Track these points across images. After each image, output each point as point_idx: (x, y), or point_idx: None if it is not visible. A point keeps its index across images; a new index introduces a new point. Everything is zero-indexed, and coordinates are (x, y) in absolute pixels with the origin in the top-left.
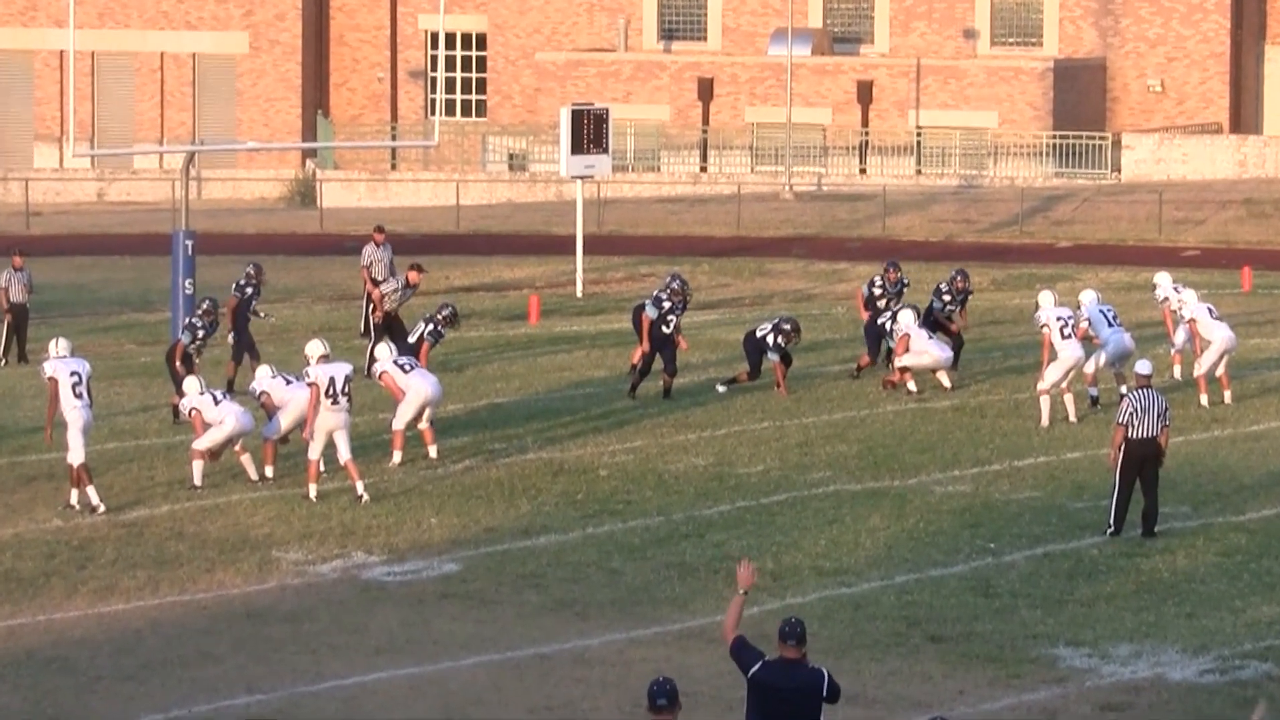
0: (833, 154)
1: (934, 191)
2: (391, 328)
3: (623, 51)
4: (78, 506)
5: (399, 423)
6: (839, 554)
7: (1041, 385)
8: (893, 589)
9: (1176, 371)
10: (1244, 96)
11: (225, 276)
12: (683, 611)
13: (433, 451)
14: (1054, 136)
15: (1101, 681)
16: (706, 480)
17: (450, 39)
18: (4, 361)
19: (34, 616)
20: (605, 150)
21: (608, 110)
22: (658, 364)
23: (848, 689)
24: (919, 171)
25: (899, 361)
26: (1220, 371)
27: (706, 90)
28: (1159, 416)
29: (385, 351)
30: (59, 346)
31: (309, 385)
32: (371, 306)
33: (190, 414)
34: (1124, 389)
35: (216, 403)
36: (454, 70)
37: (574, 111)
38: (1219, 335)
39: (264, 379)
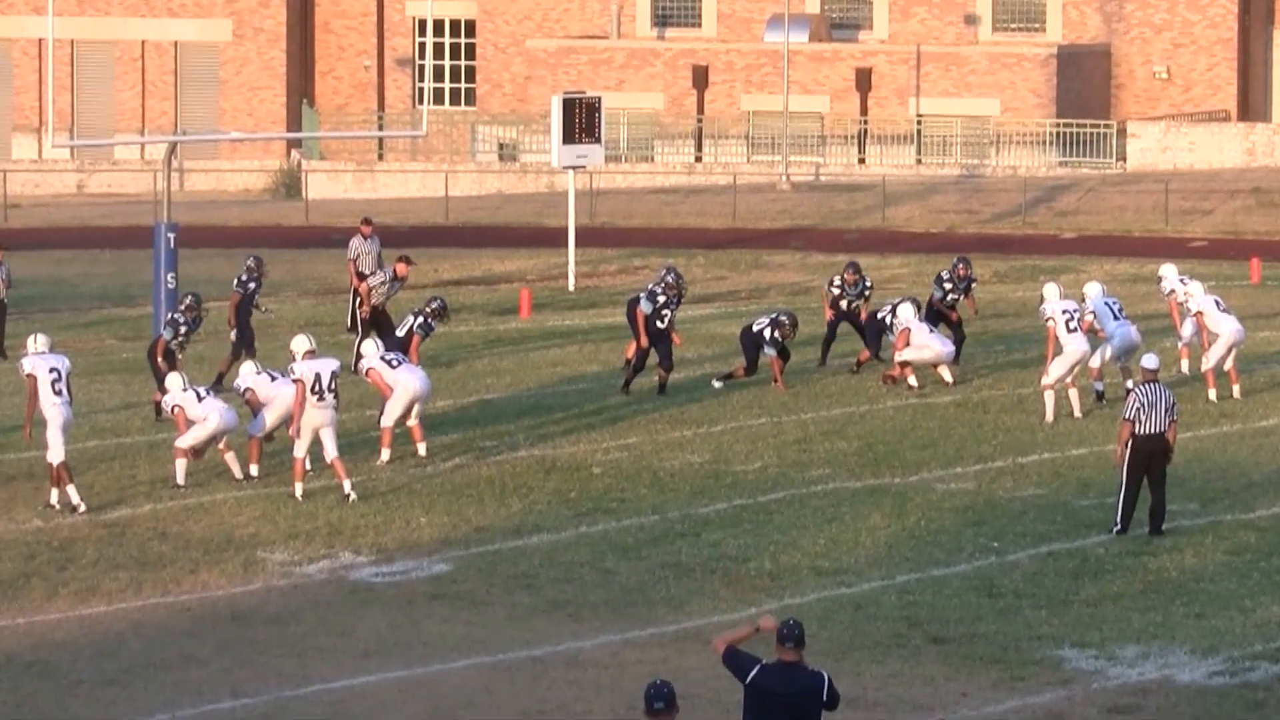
0: (831, 143)
1: (935, 182)
2: (379, 322)
3: (615, 38)
4: (58, 506)
5: (387, 420)
6: (838, 553)
7: (1046, 380)
8: (894, 589)
9: (1184, 366)
10: (1252, 83)
11: (208, 270)
12: (679, 612)
13: (421, 449)
14: (1057, 125)
15: (1108, 684)
16: (702, 478)
17: (439, 26)
18: None
19: (13, 619)
20: (598, 140)
21: (600, 99)
22: (652, 359)
23: (847, 692)
24: (919, 161)
25: (899, 356)
26: (1229, 365)
27: (701, 78)
28: (1166, 412)
29: (371, 347)
30: (37, 342)
31: (294, 382)
32: (358, 301)
33: (173, 411)
34: (1130, 384)
35: (199, 400)
36: (442, 58)
37: (566, 100)
38: (1227, 328)
39: (248, 375)
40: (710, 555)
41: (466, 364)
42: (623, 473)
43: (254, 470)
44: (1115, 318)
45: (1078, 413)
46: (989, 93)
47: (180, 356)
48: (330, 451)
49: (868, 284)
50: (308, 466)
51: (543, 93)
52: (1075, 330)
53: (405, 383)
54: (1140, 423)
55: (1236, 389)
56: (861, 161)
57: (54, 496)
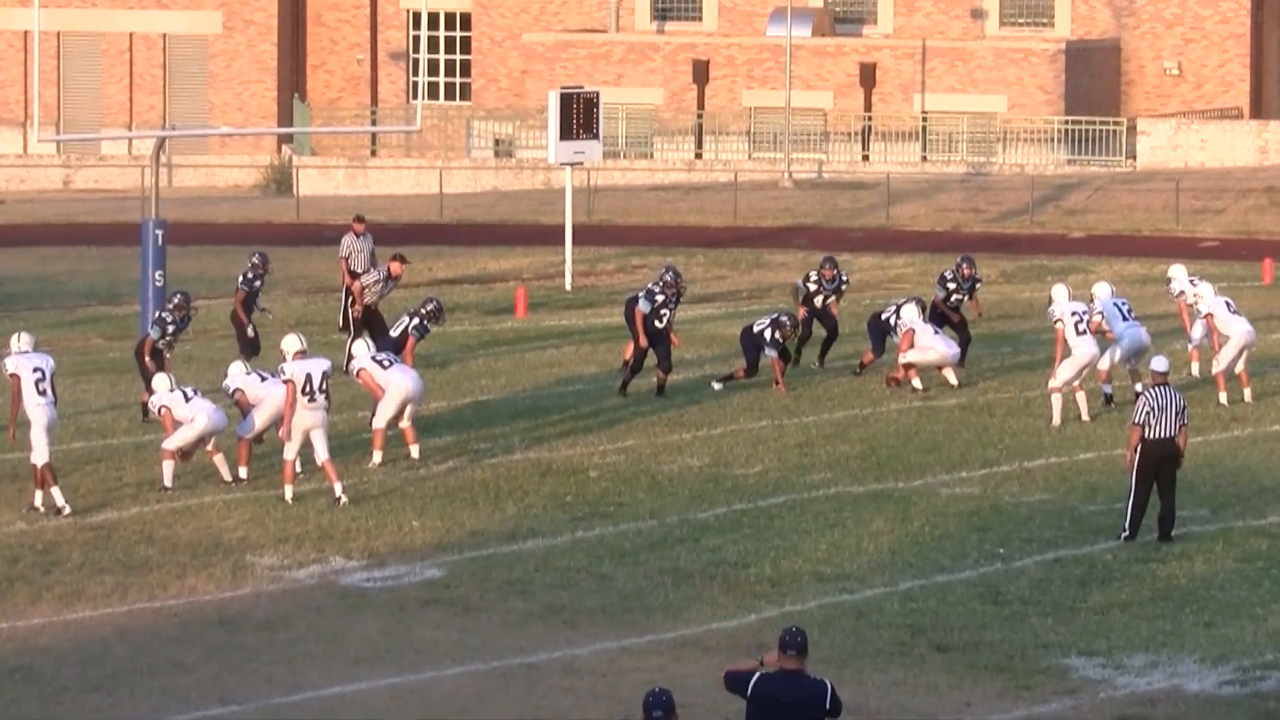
0: (834, 140)
1: (940, 179)
2: (371, 322)
3: (614, 32)
4: (42, 509)
5: (379, 421)
6: (840, 559)
7: (1053, 383)
8: (897, 596)
9: (1194, 368)
10: (1265, 80)
11: (197, 268)
12: (677, 619)
13: (414, 451)
14: (1066, 122)
15: (1116, 693)
16: (702, 482)
17: (433, 19)
18: None
19: None
20: (596, 136)
21: (598, 94)
22: (650, 360)
23: (849, 700)
24: (924, 158)
25: (903, 358)
26: (1240, 368)
27: (702, 73)
28: (1177, 415)
29: (363, 348)
30: (21, 341)
31: (285, 382)
32: (350, 300)
33: (160, 412)
34: (1139, 387)
35: (187, 400)
36: (437, 51)
37: (563, 95)
38: (1238, 330)
39: (237, 376)
40: (709, 561)
41: (461, 364)
42: (620, 476)
43: (243, 472)
44: (1124, 319)
45: (1086, 416)
46: (996, 89)
47: (169, 356)
48: (321, 454)
49: (844, 279)
50: (298, 469)
51: (540, 87)
52: (1084, 332)
53: (397, 384)
54: (1150, 427)
55: (1248, 392)
56: (865, 159)
57: (38, 499)
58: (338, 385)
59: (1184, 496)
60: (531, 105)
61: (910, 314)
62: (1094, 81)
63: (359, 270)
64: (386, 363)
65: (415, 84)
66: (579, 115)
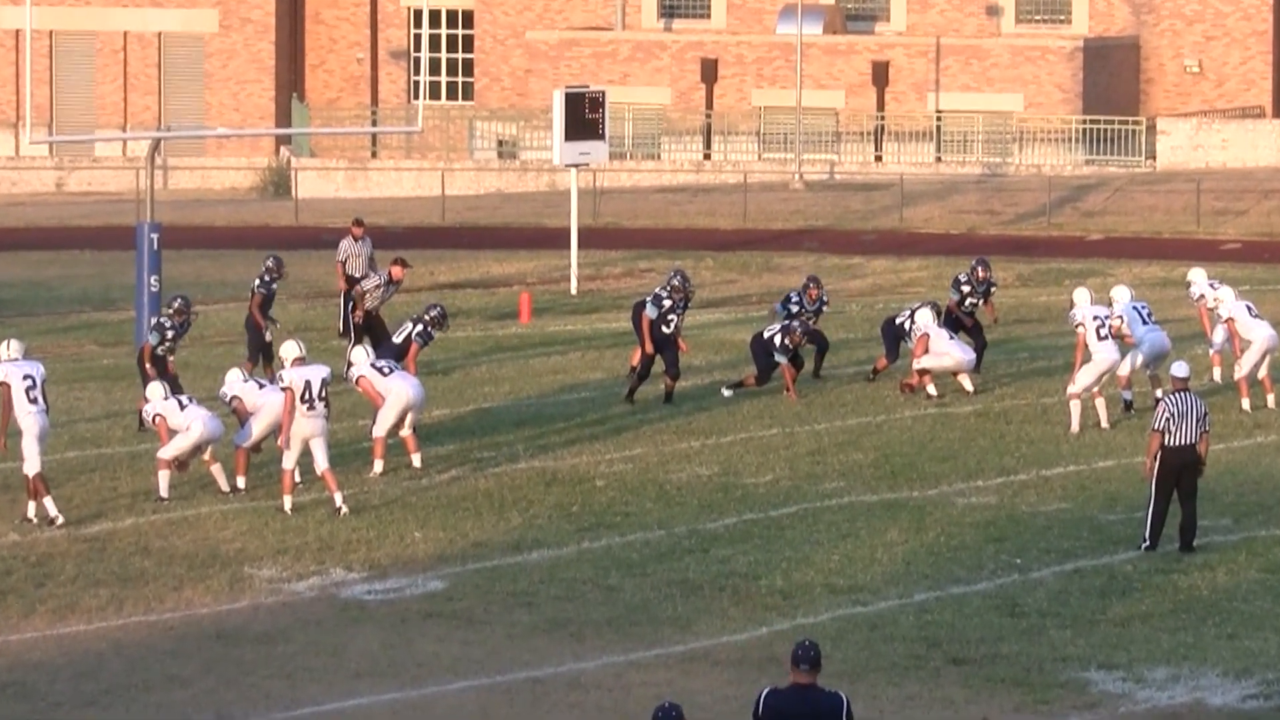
0: (846, 140)
1: (955, 180)
2: (372, 327)
3: (620, 30)
4: (35, 520)
5: (379, 430)
6: (853, 570)
7: (1072, 389)
8: (911, 608)
9: (1216, 374)
10: None
11: (193, 272)
12: (685, 632)
13: (416, 460)
14: (1084, 121)
15: (1136, 707)
16: (711, 491)
17: (435, 17)
18: None
19: None
20: (601, 136)
21: (604, 93)
22: (658, 367)
23: (863, 715)
24: (939, 159)
25: (918, 364)
26: (1263, 374)
27: (710, 72)
28: (1198, 422)
29: (362, 355)
30: (10, 349)
31: (283, 390)
32: (351, 305)
33: (154, 421)
34: (1160, 393)
35: (182, 408)
36: (439, 50)
37: (568, 94)
38: (1259, 334)
39: (234, 383)
40: (719, 572)
41: (464, 371)
42: (627, 486)
43: (240, 482)
44: (1144, 323)
45: (1105, 423)
46: (1012, 87)
47: (171, 362)
48: (321, 463)
49: (825, 300)
50: (297, 478)
51: (544, 87)
52: (1106, 338)
53: (398, 391)
54: (1170, 434)
55: (1271, 398)
56: (878, 159)
57: (31, 509)
58: (338, 393)
59: (1206, 505)
60: (536, 105)
61: (925, 318)
62: (1113, 80)
63: (356, 275)
64: (387, 370)
65: (416, 83)
66: (585, 115)
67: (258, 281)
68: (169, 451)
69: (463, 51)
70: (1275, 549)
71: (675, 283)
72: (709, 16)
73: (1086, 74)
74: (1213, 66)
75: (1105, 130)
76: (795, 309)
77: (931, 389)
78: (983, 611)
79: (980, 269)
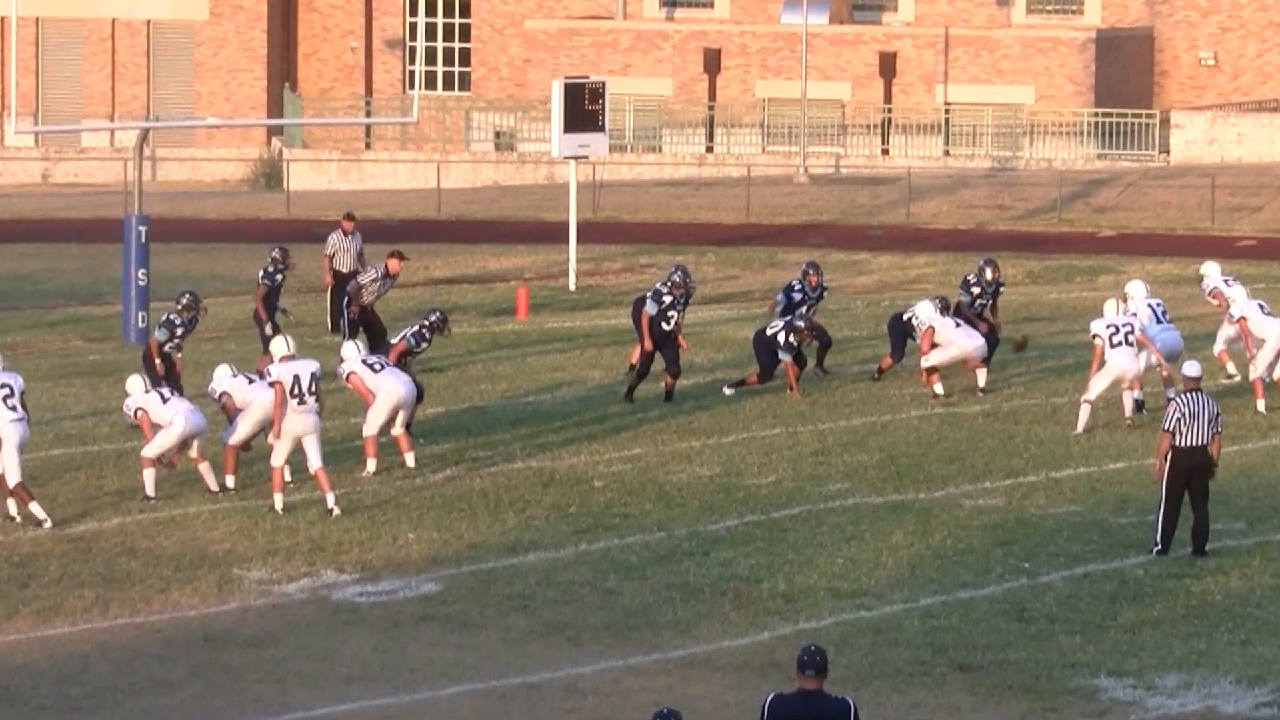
0: (852, 133)
1: (963, 174)
2: (369, 323)
3: (621, 19)
4: (18, 518)
5: (370, 428)
6: (858, 574)
7: (1087, 395)
8: (917, 612)
9: (1231, 368)
10: None
11: (182, 266)
12: (685, 637)
13: (410, 459)
14: (1096, 114)
15: (1147, 715)
16: (712, 492)
17: (431, 5)
18: None
19: None
20: (601, 128)
21: (604, 84)
22: (658, 364)
23: None
24: (947, 153)
25: (925, 361)
26: (1278, 374)
27: (713, 62)
28: (1210, 423)
29: (353, 350)
30: None
31: (271, 384)
32: (347, 300)
33: (136, 415)
34: (1170, 393)
35: (164, 401)
36: (435, 39)
37: (567, 85)
38: (1273, 333)
39: (223, 378)
40: (720, 575)
41: (459, 369)
42: (626, 486)
43: (230, 481)
44: (1158, 321)
45: (1129, 412)
46: (1022, 79)
47: (178, 359)
48: (314, 461)
49: (825, 287)
50: (287, 477)
51: (543, 77)
52: (1120, 344)
53: (388, 388)
54: (1181, 434)
55: None
56: (885, 153)
57: (13, 507)
58: (330, 391)
59: (1219, 508)
60: (534, 96)
61: (926, 311)
62: (1125, 72)
63: (344, 270)
64: (378, 366)
65: (412, 73)
66: (584, 107)
67: (262, 274)
68: (153, 449)
69: (459, 41)
70: None
71: (676, 279)
72: (712, 6)
73: (1099, 66)
74: (1228, 59)
75: (1118, 124)
76: (798, 296)
77: (939, 388)
78: (990, 616)
79: (988, 269)
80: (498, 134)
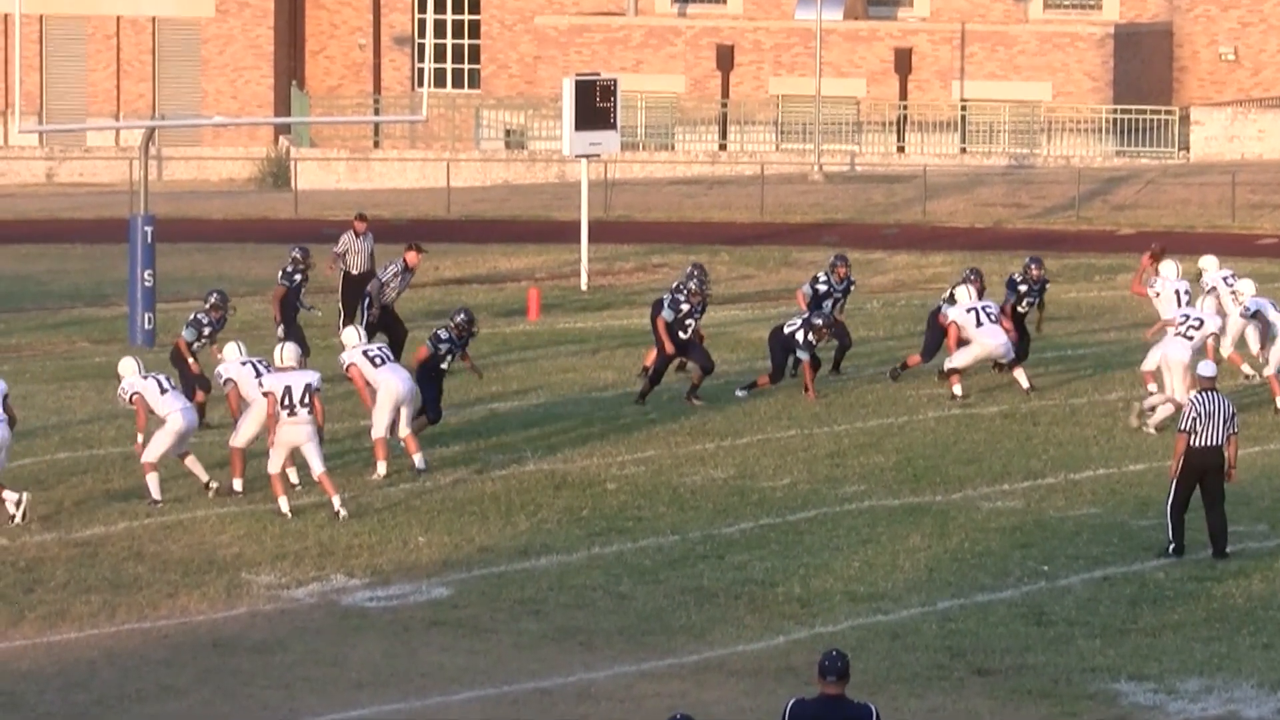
0: (867, 130)
1: (980, 172)
2: (390, 325)
3: (633, 15)
4: (17, 518)
5: (377, 430)
6: (874, 577)
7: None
8: (934, 616)
9: (1247, 369)
10: None
11: (188, 267)
12: (699, 641)
13: (419, 461)
14: (1114, 111)
15: None
16: (726, 495)
17: (440, 1)
18: None
19: None
20: (613, 126)
21: (616, 81)
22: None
23: None
24: (963, 150)
25: (949, 363)
26: None
27: (726, 59)
28: (1225, 423)
29: (354, 336)
30: None
31: (264, 395)
32: (368, 301)
33: (131, 400)
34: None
35: (162, 392)
36: (444, 36)
37: (578, 82)
38: None
39: (233, 364)
40: (735, 579)
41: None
42: (639, 489)
43: (237, 485)
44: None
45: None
46: (1040, 75)
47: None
48: (315, 468)
49: (852, 280)
50: (294, 480)
51: (553, 74)
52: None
53: (387, 384)
54: (1196, 434)
55: None
56: (900, 150)
57: (11, 506)
58: (340, 394)
59: (1241, 510)
60: (545, 93)
61: (961, 297)
62: (1144, 68)
63: (355, 272)
64: (379, 360)
65: (421, 71)
66: (595, 104)
67: (281, 274)
68: (152, 453)
69: (469, 37)
70: None
71: (692, 287)
72: (725, 1)
73: (1117, 62)
74: (1249, 54)
75: (1136, 120)
76: (824, 289)
77: (958, 388)
78: (1008, 620)
79: (1034, 267)
80: (508, 132)
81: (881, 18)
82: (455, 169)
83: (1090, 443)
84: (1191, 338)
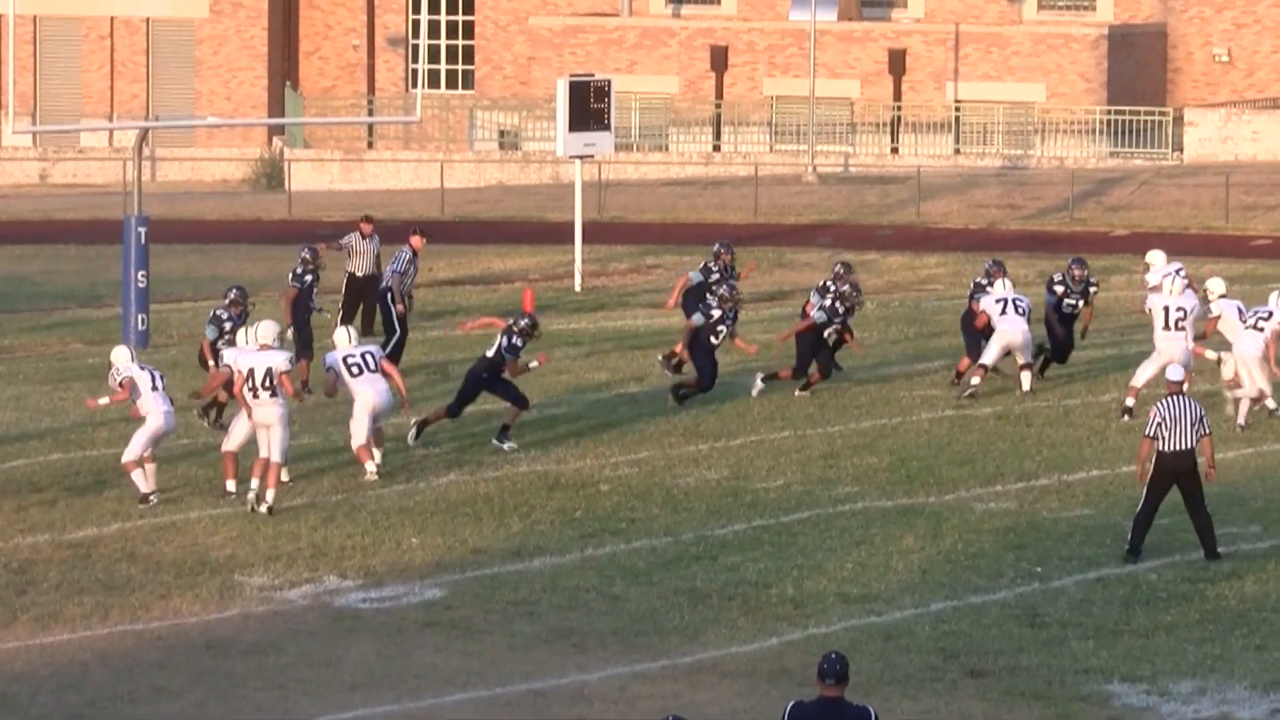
0: (861, 131)
1: (974, 173)
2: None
3: (627, 16)
4: None
5: (355, 441)
6: (868, 579)
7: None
8: (928, 618)
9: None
10: None
11: (182, 268)
12: (693, 642)
13: (377, 457)
14: (1108, 112)
15: None
16: (720, 496)
17: (434, 2)
18: None
19: None
20: (607, 127)
21: (610, 82)
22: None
23: None
24: (957, 151)
25: (983, 357)
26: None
27: (720, 60)
28: (1193, 426)
29: (343, 337)
30: None
31: (233, 370)
32: (390, 296)
33: (121, 385)
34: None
35: (153, 389)
36: (438, 37)
37: (572, 83)
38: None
39: (242, 346)
40: (728, 580)
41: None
42: (633, 490)
43: (230, 486)
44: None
45: (1241, 420)
46: (1034, 77)
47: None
48: (274, 454)
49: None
50: (285, 478)
51: (547, 75)
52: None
53: (363, 397)
54: (1163, 439)
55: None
56: (894, 151)
57: None
58: (334, 402)
59: (1234, 512)
60: (539, 94)
61: (997, 290)
62: (1138, 69)
63: (359, 274)
64: (357, 368)
65: (415, 71)
66: (589, 105)
67: (291, 275)
68: (131, 453)
69: (463, 38)
70: None
71: (724, 293)
72: (719, 2)
73: (1111, 63)
74: (1243, 55)
75: (1130, 121)
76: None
77: (976, 379)
78: (1002, 622)
79: (1076, 268)
80: (502, 133)
81: (875, 19)
82: (449, 170)
83: (1084, 444)
84: (1262, 329)
